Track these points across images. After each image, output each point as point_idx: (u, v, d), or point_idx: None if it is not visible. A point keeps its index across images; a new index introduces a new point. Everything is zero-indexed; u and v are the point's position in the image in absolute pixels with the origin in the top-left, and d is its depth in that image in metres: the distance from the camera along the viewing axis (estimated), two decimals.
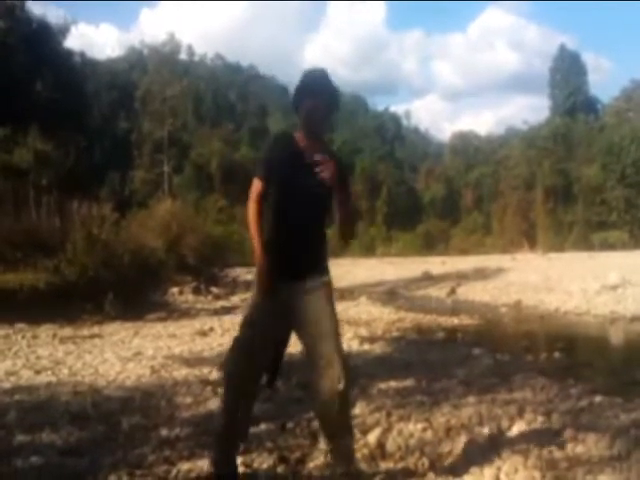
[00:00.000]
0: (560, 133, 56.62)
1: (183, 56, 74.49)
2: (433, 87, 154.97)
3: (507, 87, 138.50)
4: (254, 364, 2.75)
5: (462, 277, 20.13)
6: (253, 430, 3.76)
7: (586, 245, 44.13)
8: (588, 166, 51.83)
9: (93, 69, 55.62)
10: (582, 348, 8.12)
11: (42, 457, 3.35)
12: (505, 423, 3.72)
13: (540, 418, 3.84)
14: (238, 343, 2.78)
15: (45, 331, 8.79)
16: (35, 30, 29.81)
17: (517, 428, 3.62)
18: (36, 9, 42.47)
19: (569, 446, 3.32)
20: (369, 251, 53.46)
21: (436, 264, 27.70)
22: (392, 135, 72.71)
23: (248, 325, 2.77)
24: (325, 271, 2.88)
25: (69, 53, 35.66)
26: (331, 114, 2.88)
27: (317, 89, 2.82)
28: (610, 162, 49.73)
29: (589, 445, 3.33)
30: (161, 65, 57.92)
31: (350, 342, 7.24)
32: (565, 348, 7.06)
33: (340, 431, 2.81)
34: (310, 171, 2.65)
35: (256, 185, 2.80)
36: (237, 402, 2.79)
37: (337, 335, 2.77)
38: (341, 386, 2.68)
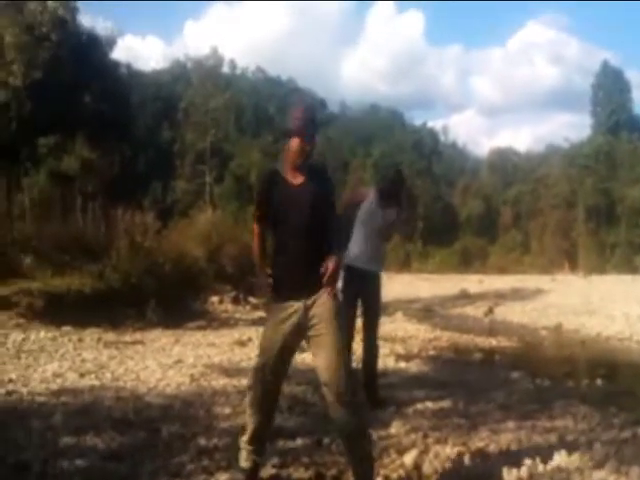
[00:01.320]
0: (603, 151, 55.49)
1: (225, 69, 75.71)
2: (471, 102, 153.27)
3: (547, 103, 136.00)
4: (268, 388, 3.04)
5: (500, 297, 19.82)
6: (289, 445, 3.81)
7: (629, 268, 42.97)
8: (632, 186, 50.62)
9: (138, 80, 56.94)
10: (625, 375, 7.88)
11: (86, 460, 3.46)
12: (545, 452, 3.65)
13: (581, 448, 3.77)
14: (254, 371, 3.09)
15: (90, 335, 8.99)
16: (84, 42, 30.75)
17: (557, 458, 3.55)
18: (85, 21, 43.73)
19: (611, 478, 3.26)
20: (404, 266, 53.13)
21: (473, 282, 27.37)
22: (429, 150, 72.22)
23: (260, 353, 3.08)
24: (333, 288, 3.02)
25: (116, 64, 36.66)
26: (313, 148, 3.11)
27: (303, 129, 3.04)
28: None
29: (632, 478, 3.26)
30: (204, 78, 58.93)
31: (386, 359, 7.21)
32: (607, 375, 6.88)
33: (358, 449, 2.95)
34: (300, 201, 2.97)
35: (254, 226, 3.17)
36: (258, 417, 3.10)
37: (342, 349, 2.93)
38: (346, 397, 2.84)
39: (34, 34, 27.25)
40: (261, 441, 3.13)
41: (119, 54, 52.63)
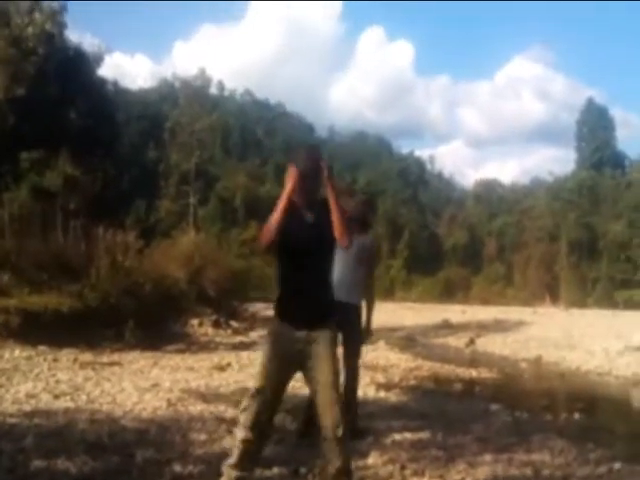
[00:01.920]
0: (586, 186, 56.42)
1: (213, 90, 76.12)
2: (458, 133, 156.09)
3: (533, 137, 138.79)
4: (267, 410, 3.04)
5: (482, 328, 19.86)
6: (266, 474, 3.77)
7: (610, 302, 43.36)
8: (614, 222, 51.41)
9: (125, 98, 57.03)
10: (603, 410, 7.92)
11: None
12: None
13: None
14: (254, 392, 3.04)
15: (66, 355, 8.86)
16: (71, 58, 30.76)
17: None
18: (73, 37, 43.67)
19: None
20: (388, 294, 53.17)
21: (456, 312, 27.43)
22: (415, 179, 72.96)
23: (261, 374, 3.05)
24: (332, 322, 3.12)
25: (102, 81, 36.72)
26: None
27: (308, 171, 3.00)
28: (637, 219, 49.34)
29: None
30: (191, 98, 59.14)
31: (366, 388, 7.17)
32: (585, 409, 6.90)
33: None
34: (308, 229, 3.00)
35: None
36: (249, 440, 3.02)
37: (337, 384, 3.04)
38: (339, 432, 2.92)
39: (20, 47, 27.22)
40: (248, 467, 3.08)
41: (106, 71, 52.46)
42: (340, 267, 4.96)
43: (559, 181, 62.49)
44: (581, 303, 43.66)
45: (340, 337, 5.11)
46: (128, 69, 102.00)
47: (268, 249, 3.00)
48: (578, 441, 5.02)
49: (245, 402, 3.09)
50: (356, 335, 5.14)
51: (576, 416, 6.48)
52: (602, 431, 5.78)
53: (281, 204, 2.93)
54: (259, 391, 3.02)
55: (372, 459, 4.20)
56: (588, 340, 14.88)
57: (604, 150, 61.97)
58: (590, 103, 64.27)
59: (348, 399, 5.04)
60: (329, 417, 2.93)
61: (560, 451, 4.66)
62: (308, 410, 4.92)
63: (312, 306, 3.02)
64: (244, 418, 3.04)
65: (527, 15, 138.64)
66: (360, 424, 5.08)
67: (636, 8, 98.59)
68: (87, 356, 8.99)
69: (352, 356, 5.08)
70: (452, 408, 6.41)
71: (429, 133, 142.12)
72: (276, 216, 2.91)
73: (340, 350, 5.19)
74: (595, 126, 62.42)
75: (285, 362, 3.03)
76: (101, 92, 34.43)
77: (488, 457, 4.37)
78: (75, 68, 30.08)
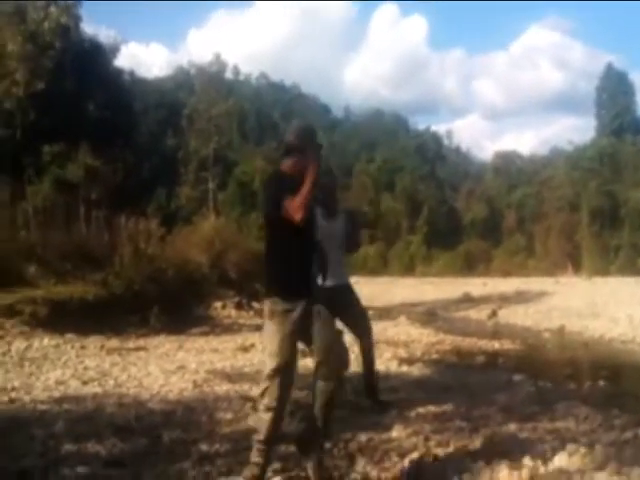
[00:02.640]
0: (606, 154, 55.42)
1: (229, 75, 75.90)
2: (474, 106, 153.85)
3: (551, 107, 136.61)
4: (288, 387, 3.17)
5: (503, 300, 19.77)
6: (291, 450, 3.81)
7: (633, 270, 42.72)
8: (635, 189, 50.50)
9: (142, 88, 57.24)
10: (627, 377, 7.85)
11: (88, 467, 3.48)
12: (547, 453, 3.65)
13: (583, 449, 3.74)
14: (273, 373, 3.11)
15: (93, 342, 9.02)
16: (87, 50, 30.89)
17: (559, 459, 3.54)
18: (88, 29, 43.79)
19: None
20: (408, 270, 53.08)
21: (477, 285, 27.34)
22: (433, 154, 72.33)
23: (276, 354, 3.12)
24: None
25: (119, 72, 36.83)
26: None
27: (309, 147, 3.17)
28: None
29: (633, 479, 3.26)
30: (208, 85, 59.08)
31: (389, 363, 7.22)
32: (610, 377, 6.85)
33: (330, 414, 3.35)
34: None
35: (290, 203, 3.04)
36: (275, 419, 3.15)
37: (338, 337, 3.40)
38: (338, 373, 3.29)
39: (37, 43, 27.40)
40: (273, 443, 3.22)
41: (122, 61, 52.59)
42: (330, 252, 4.88)
43: (579, 150, 61.41)
44: (603, 271, 43.14)
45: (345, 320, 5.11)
46: (144, 58, 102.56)
47: (300, 224, 3.07)
48: (603, 408, 4.97)
49: (263, 384, 3.16)
50: (360, 312, 5.14)
51: (600, 384, 6.44)
52: (627, 397, 5.72)
53: (309, 187, 3.01)
54: (278, 370, 3.09)
55: (396, 432, 4.23)
56: (611, 308, 14.74)
57: (624, 116, 60.64)
58: (609, 69, 62.81)
59: (368, 375, 5.09)
60: (330, 357, 3.22)
61: (585, 418, 4.64)
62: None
63: (309, 279, 3.27)
64: (268, 400, 3.11)
65: None
66: (383, 397, 5.13)
67: None
68: (113, 342, 9.14)
69: (367, 334, 5.10)
70: (475, 380, 6.41)
71: (445, 108, 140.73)
72: (307, 196, 3.01)
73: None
74: (615, 92, 61.06)
75: (296, 336, 3.17)
76: (118, 83, 34.57)
77: (512, 426, 4.37)
78: (92, 60, 30.22)
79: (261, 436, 3.15)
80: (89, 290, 10.35)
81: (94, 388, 5.81)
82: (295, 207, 3.00)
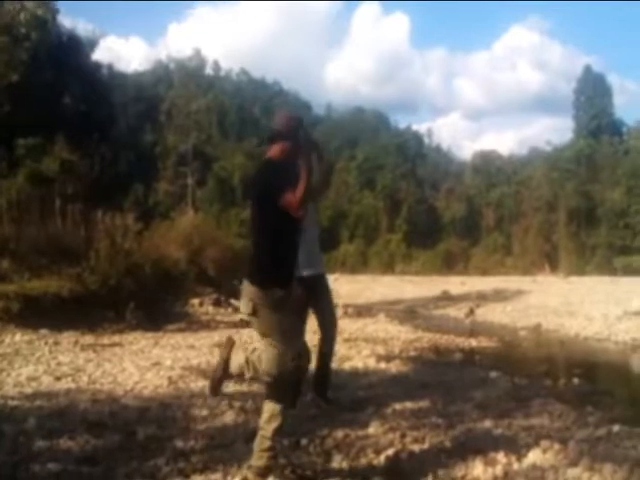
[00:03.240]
0: (584, 155, 56.19)
1: (209, 71, 75.52)
2: (455, 106, 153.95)
3: (530, 107, 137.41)
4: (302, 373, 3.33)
5: (481, 298, 19.94)
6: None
7: (609, 269, 43.48)
8: (612, 189, 51.30)
9: (120, 82, 56.55)
10: (602, 375, 7.96)
11: (59, 464, 3.42)
12: (521, 449, 3.68)
13: (556, 446, 3.79)
14: (287, 363, 3.12)
15: (67, 338, 8.89)
16: (64, 43, 30.47)
17: (533, 455, 3.59)
18: (66, 22, 43.24)
19: (585, 476, 3.28)
20: (388, 268, 53.32)
21: (455, 284, 27.55)
22: (414, 153, 72.64)
23: (288, 342, 3.14)
24: None
25: (97, 65, 36.42)
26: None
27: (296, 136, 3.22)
28: (635, 186, 49.21)
29: (605, 476, 3.29)
30: (187, 79, 58.82)
31: (367, 360, 7.22)
32: (584, 375, 6.93)
33: None
34: None
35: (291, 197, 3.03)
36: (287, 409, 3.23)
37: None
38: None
39: (12, 34, 26.96)
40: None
41: (101, 55, 51.99)
42: (310, 238, 4.80)
43: (557, 151, 62.23)
44: (580, 271, 43.79)
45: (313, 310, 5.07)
46: (123, 52, 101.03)
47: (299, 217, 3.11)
48: (577, 405, 5.05)
49: (277, 374, 3.14)
50: (330, 304, 5.10)
51: (575, 381, 6.51)
52: (601, 395, 5.80)
53: (306, 181, 2.99)
54: (298, 356, 3.14)
55: (373, 429, 4.24)
56: (587, 307, 14.95)
57: (602, 118, 61.51)
58: (587, 71, 63.66)
59: (325, 368, 5.04)
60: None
61: (559, 415, 4.69)
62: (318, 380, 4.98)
63: (295, 265, 3.33)
64: (281, 392, 3.16)
65: None
66: (362, 394, 5.14)
67: None
68: (88, 338, 9.02)
69: (331, 328, 5.03)
70: (452, 377, 6.44)
71: (426, 106, 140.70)
72: (306, 191, 2.99)
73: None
74: (592, 94, 61.88)
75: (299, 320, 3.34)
76: (96, 76, 34.19)
77: (488, 423, 4.41)
78: (69, 53, 29.82)
79: (274, 426, 3.16)
80: (64, 285, 10.17)
81: (67, 384, 5.72)
82: (297, 202, 2.98)
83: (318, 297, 4.97)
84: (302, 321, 4.70)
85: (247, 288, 3.19)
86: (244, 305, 3.22)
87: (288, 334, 3.15)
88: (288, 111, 3.65)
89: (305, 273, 4.72)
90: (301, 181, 2.99)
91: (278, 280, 3.14)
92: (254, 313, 3.16)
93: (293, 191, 3.00)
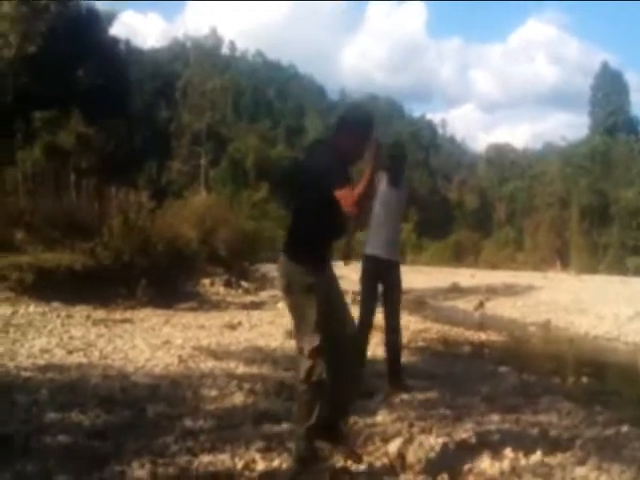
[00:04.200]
0: (599, 152, 55.52)
1: (225, 51, 75.20)
2: (469, 96, 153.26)
3: (546, 101, 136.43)
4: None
5: (491, 292, 19.86)
6: (275, 429, 3.82)
7: (620, 269, 43.09)
8: (626, 188, 50.71)
9: (137, 58, 56.28)
10: (611, 375, 7.93)
11: (70, 437, 3.47)
12: (528, 445, 3.67)
13: (564, 444, 3.79)
14: (317, 351, 3.03)
15: (79, 312, 8.97)
16: (83, 16, 30.35)
17: (540, 452, 3.57)
18: None
19: (592, 475, 3.28)
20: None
21: (465, 276, 27.44)
22: (427, 142, 72.17)
23: (318, 329, 3.04)
24: None
25: (115, 40, 36.21)
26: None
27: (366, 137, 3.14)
28: None
29: (613, 476, 3.28)
30: (203, 58, 58.46)
31: (376, 348, 7.21)
32: (593, 373, 6.92)
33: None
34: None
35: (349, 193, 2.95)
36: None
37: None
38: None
39: (32, 5, 26.88)
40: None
41: (119, 30, 52.01)
42: (380, 223, 5.03)
43: (572, 146, 61.48)
44: (591, 269, 43.39)
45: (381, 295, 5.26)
46: (140, 28, 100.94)
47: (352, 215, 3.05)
48: (586, 404, 5.02)
49: (307, 363, 3.03)
50: (399, 294, 5.35)
51: (584, 380, 6.49)
52: (610, 395, 5.77)
53: (368, 184, 2.94)
54: (321, 347, 3.03)
55: (381, 417, 4.25)
56: (598, 305, 14.83)
57: (618, 115, 60.70)
58: (604, 67, 62.74)
59: (395, 354, 5.35)
60: (349, 332, 3.30)
61: (567, 413, 4.68)
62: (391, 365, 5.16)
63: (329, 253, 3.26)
64: (316, 377, 3.02)
65: None
66: (369, 383, 5.16)
67: None
68: (100, 313, 9.10)
69: (396, 315, 5.29)
70: (460, 369, 6.45)
71: (440, 96, 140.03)
72: (366, 193, 2.93)
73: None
74: (609, 91, 61.03)
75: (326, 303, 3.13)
76: (113, 51, 34.00)
77: (495, 417, 4.40)
78: (87, 26, 29.67)
79: (312, 420, 3.06)
80: (77, 259, 10.24)
81: (79, 358, 5.78)
82: (353, 202, 2.89)
83: (387, 286, 5.16)
84: (371, 298, 5.08)
85: (283, 262, 3.16)
86: (279, 282, 3.22)
87: (313, 324, 3.05)
88: (365, 108, 3.55)
89: (382, 256, 5.04)
90: (364, 180, 2.92)
91: (312, 261, 3.09)
92: (287, 289, 3.13)
93: (353, 188, 2.92)
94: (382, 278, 5.14)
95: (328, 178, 2.97)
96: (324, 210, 3.04)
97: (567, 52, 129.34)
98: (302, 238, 3.14)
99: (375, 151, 3.01)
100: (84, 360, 5.69)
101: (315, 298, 3.06)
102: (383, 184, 5.07)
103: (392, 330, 5.26)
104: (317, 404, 3.06)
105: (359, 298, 5.27)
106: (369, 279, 5.11)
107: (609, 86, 60.96)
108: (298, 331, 3.11)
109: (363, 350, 5.19)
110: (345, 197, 2.90)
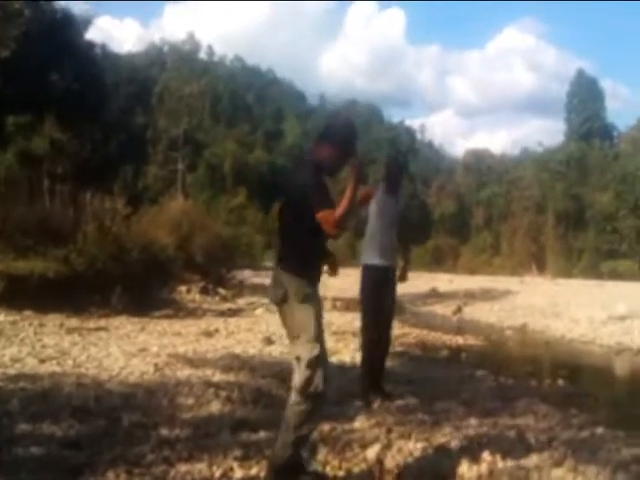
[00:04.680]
0: (574, 158, 56.38)
1: (203, 55, 74.92)
2: (448, 102, 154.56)
3: (523, 108, 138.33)
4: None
5: (469, 296, 20.02)
6: (252, 437, 3.78)
7: (595, 273, 43.72)
8: (601, 193, 51.55)
9: (113, 62, 55.77)
10: (586, 378, 8.04)
11: (42, 448, 3.39)
12: (505, 448, 3.68)
13: (541, 446, 3.81)
14: (316, 361, 3.01)
15: (52, 320, 8.82)
16: (58, 20, 30.01)
17: (517, 454, 3.59)
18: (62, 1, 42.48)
19: (569, 477, 3.30)
20: None
21: (444, 281, 27.61)
22: (406, 148, 72.63)
23: (316, 340, 3.04)
24: None
25: (90, 45, 35.90)
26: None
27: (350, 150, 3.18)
28: (624, 191, 49.48)
29: (589, 477, 3.31)
30: (180, 63, 58.23)
31: (355, 353, 7.21)
32: (569, 376, 7.00)
33: None
34: None
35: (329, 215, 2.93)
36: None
37: None
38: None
39: (5, 9, 26.51)
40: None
41: (94, 34, 51.35)
42: (379, 232, 5.04)
43: (548, 152, 62.36)
44: (567, 273, 43.99)
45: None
46: (116, 33, 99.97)
47: (336, 236, 3.01)
48: (561, 406, 5.08)
49: (305, 373, 2.99)
50: (394, 301, 5.34)
51: (560, 383, 6.57)
52: (585, 397, 5.84)
53: (349, 202, 2.91)
54: (320, 357, 3.01)
55: (359, 423, 4.23)
56: (573, 309, 15.03)
57: (593, 121, 61.80)
58: (580, 75, 63.88)
59: (382, 363, 5.34)
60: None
61: (544, 415, 4.72)
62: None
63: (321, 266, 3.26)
64: (313, 388, 2.98)
65: None
66: (348, 388, 5.14)
67: None
68: (73, 321, 8.96)
69: (390, 324, 5.31)
70: (438, 374, 6.47)
71: (419, 102, 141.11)
72: (346, 212, 2.90)
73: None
74: (585, 98, 62.12)
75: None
76: (89, 55, 33.69)
77: (473, 421, 4.42)
78: (62, 31, 29.34)
79: (304, 430, 3.02)
80: (50, 266, 10.05)
81: (52, 367, 5.67)
82: (333, 221, 2.89)
83: (385, 295, 5.13)
84: (376, 310, 5.02)
85: (279, 275, 3.13)
86: (273, 293, 3.14)
87: (312, 334, 3.03)
88: (349, 119, 3.50)
89: (379, 264, 5.01)
90: (345, 199, 2.89)
91: (309, 273, 3.11)
92: (284, 300, 3.08)
93: (333, 208, 2.90)
94: (380, 287, 5.08)
95: (310, 199, 2.97)
96: (315, 227, 3.01)
97: (544, 59, 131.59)
98: (298, 251, 3.12)
99: (356, 169, 2.98)
100: (57, 369, 5.58)
101: (313, 308, 3.07)
102: (379, 192, 5.09)
103: (387, 341, 5.29)
104: (313, 416, 3.04)
105: (361, 308, 5.25)
106: (370, 289, 5.06)
107: (585, 93, 62.05)
108: (295, 340, 3.08)
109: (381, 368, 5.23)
110: (325, 218, 2.90)
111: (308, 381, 2.98)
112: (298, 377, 3.01)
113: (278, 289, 3.11)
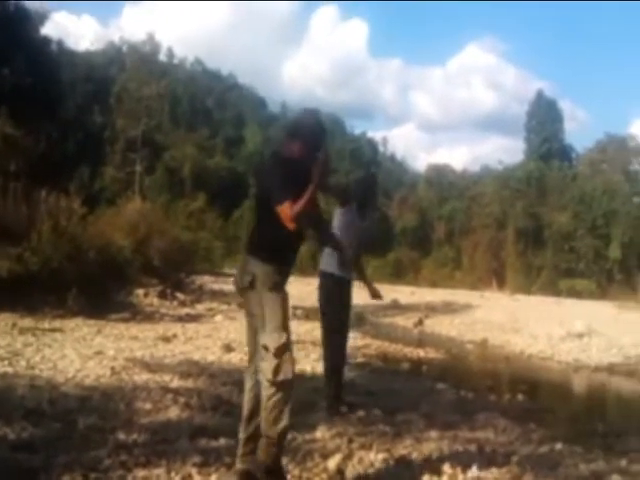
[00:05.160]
0: (534, 177, 57.70)
1: (162, 57, 73.91)
2: (410, 116, 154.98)
3: (483, 125, 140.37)
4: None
5: (430, 309, 20.14)
6: (212, 444, 3.71)
7: (553, 290, 44.65)
8: (559, 213, 52.87)
9: (70, 59, 54.32)
10: (545, 393, 8.16)
11: None
12: (465, 461, 3.69)
13: (500, 460, 3.84)
14: (288, 352, 3.02)
15: (4, 320, 8.57)
16: (10, 14, 29.25)
17: (476, 468, 3.61)
18: None
19: None
20: None
21: (405, 293, 27.75)
22: (368, 160, 73.16)
23: (286, 329, 3.03)
24: None
25: (46, 40, 35.07)
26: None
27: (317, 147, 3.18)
28: (581, 211, 50.87)
29: None
30: (139, 64, 57.35)
31: (315, 364, 7.17)
32: (528, 391, 7.07)
33: None
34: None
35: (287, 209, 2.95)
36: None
37: None
38: None
39: None
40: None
41: (51, 30, 49.75)
42: (351, 245, 4.99)
43: (508, 170, 63.61)
44: (526, 289, 44.76)
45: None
46: (73, 30, 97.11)
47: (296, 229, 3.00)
48: (521, 421, 5.12)
49: (272, 362, 2.95)
50: (350, 312, 5.38)
51: (519, 397, 6.64)
52: (544, 413, 5.92)
53: (311, 195, 2.93)
54: (288, 344, 3.01)
55: (320, 433, 4.20)
56: (532, 325, 15.26)
57: (552, 142, 63.39)
58: (540, 96, 65.47)
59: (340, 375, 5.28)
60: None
61: (503, 430, 4.76)
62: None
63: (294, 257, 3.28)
64: (282, 376, 2.96)
65: (481, 4, 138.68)
66: (308, 398, 5.09)
67: (585, 5, 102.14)
68: (27, 321, 8.71)
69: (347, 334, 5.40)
70: (399, 386, 6.47)
71: (381, 115, 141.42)
72: (306, 205, 2.92)
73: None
74: (544, 118, 63.69)
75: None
76: (43, 50, 32.87)
77: (434, 433, 4.43)
78: (14, 24, 28.58)
79: (278, 430, 2.97)
80: (2, 265, 9.73)
81: (4, 367, 5.50)
82: (289, 216, 2.90)
83: (344, 304, 5.15)
84: (343, 321, 5.08)
85: (248, 261, 3.10)
86: (241, 277, 3.10)
87: (280, 321, 3.01)
88: (317, 115, 3.49)
89: (344, 275, 5.05)
90: (306, 195, 2.91)
91: (278, 261, 3.08)
92: (251, 286, 3.04)
93: (293, 202, 2.91)
94: (340, 294, 5.09)
95: (274, 192, 2.98)
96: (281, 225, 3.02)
97: (504, 79, 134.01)
98: (269, 239, 3.10)
99: (321, 163, 2.98)
100: (9, 370, 5.42)
101: (281, 296, 3.05)
102: (350, 207, 5.12)
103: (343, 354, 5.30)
104: (287, 405, 2.98)
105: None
106: (331, 293, 5.05)
107: (544, 114, 63.65)
108: (262, 328, 3.03)
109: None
110: (283, 212, 2.91)
111: (277, 369, 2.95)
112: (266, 366, 2.97)
113: (246, 275, 3.07)
